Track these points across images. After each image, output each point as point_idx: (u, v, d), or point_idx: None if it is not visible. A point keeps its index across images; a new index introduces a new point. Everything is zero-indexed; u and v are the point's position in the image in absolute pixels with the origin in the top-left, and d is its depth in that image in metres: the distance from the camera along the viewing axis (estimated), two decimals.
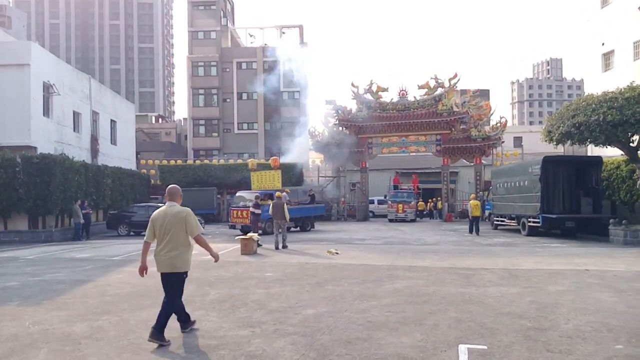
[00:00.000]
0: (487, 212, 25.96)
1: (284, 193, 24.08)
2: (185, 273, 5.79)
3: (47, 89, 23.78)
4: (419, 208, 39.88)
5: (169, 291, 5.75)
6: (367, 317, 6.61)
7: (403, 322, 6.39)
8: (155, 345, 5.41)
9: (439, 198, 37.86)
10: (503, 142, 34.50)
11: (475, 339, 5.64)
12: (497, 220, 24.16)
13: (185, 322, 6.06)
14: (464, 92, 36.69)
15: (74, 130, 26.80)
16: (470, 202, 21.90)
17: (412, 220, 31.82)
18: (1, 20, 39.29)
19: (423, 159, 40.23)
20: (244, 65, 48.50)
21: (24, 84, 22.09)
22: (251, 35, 53.22)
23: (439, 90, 34.12)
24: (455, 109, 33.37)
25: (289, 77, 44.64)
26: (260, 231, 18.53)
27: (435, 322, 6.37)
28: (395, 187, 35.89)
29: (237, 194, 24.01)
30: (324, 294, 8.27)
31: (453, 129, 33.82)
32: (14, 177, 20.11)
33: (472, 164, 34.57)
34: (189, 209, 5.85)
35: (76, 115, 27.05)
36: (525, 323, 6.27)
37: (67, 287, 9.21)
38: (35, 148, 21.87)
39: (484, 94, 57.02)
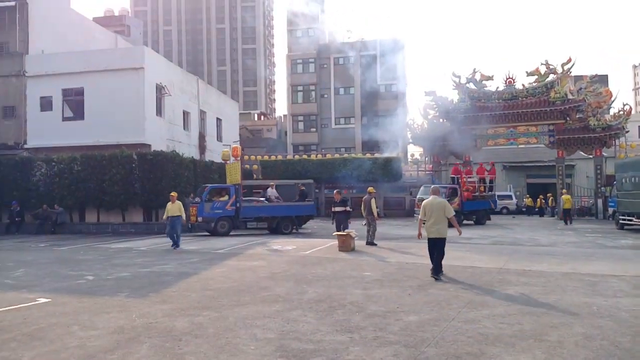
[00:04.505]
0: (610, 210, 23.44)
1: (269, 188, 21.14)
2: (445, 238, 9.28)
3: (160, 90, 25.31)
4: (527, 204, 37.21)
5: (438, 251, 9.24)
6: (478, 329, 5.97)
7: (520, 336, 5.68)
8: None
9: (550, 194, 35.22)
10: (627, 131, 31.20)
11: None
12: (624, 219, 21.63)
13: (437, 274, 9.24)
14: (578, 78, 33.82)
15: (184, 129, 28.36)
16: (562, 197, 26.03)
17: None
18: (121, 29, 42.68)
19: (533, 151, 37.61)
20: (341, 61, 48.58)
21: (138, 86, 23.71)
22: (348, 30, 53.24)
23: (551, 77, 31.65)
24: (570, 96, 30.78)
25: (386, 70, 43.88)
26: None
27: (559, 338, 5.59)
28: (454, 181, 27.45)
29: (202, 187, 21.00)
30: (427, 298, 7.70)
31: (568, 119, 31.22)
32: (131, 173, 21.63)
33: (590, 156, 31.74)
34: (446, 200, 9.67)
35: (185, 115, 28.61)
36: None
37: (172, 280, 9.51)
38: (149, 145, 23.43)
39: (602, 79, 52.16)
